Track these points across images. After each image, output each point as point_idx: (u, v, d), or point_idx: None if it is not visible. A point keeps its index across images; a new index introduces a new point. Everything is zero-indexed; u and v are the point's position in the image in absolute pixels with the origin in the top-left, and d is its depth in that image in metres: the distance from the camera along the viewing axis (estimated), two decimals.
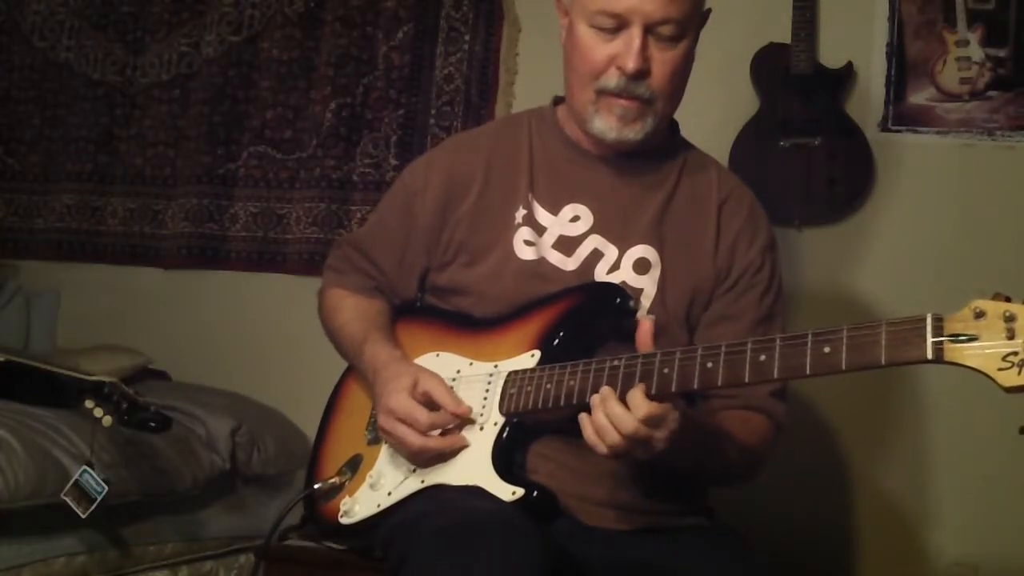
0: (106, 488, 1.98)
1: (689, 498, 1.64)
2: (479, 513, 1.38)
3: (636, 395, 1.34)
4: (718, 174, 1.73)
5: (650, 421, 1.33)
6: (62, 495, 1.97)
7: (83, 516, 1.98)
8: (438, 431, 1.53)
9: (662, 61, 1.56)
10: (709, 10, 1.65)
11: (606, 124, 1.59)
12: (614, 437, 1.34)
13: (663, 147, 1.70)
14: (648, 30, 1.54)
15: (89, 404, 1.98)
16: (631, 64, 1.53)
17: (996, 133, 2.48)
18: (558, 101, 1.75)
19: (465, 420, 1.53)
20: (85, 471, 1.99)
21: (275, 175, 3.02)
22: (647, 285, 1.61)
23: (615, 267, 1.63)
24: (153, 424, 2.00)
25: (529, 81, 2.83)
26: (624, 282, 1.61)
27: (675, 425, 1.35)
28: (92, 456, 2.02)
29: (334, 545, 2.30)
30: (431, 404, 1.53)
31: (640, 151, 1.65)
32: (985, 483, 2.42)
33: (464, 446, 1.52)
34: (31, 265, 3.18)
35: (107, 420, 1.96)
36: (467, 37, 2.89)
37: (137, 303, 3.08)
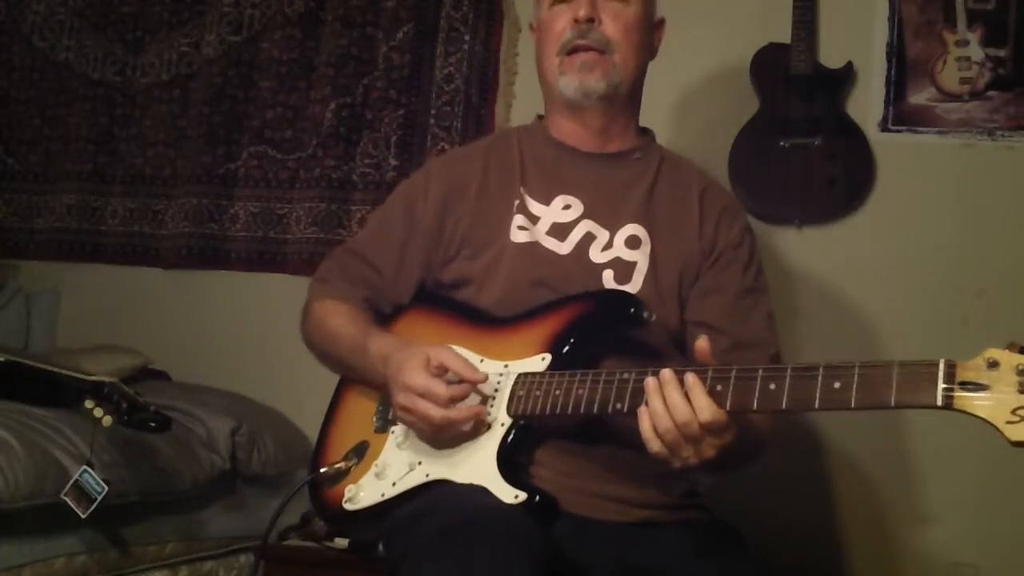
0: (106, 488, 1.98)
1: (685, 494, 1.65)
2: (479, 511, 1.39)
3: (701, 398, 1.32)
4: (696, 171, 1.84)
5: (711, 426, 1.32)
6: (62, 495, 1.97)
7: (83, 516, 1.98)
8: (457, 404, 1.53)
9: (613, 14, 1.71)
10: (663, 18, 1.82)
11: (569, 80, 1.72)
12: (667, 423, 1.32)
13: (641, 148, 1.80)
14: None
15: (89, 404, 1.98)
16: (581, 11, 1.69)
17: (996, 133, 2.48)
18: (542, 118, 1.85)
19: (480, 392, 1.54)
20: (85, 471, 1.99)
21: (275, 175, 3.02)
22: (640, 259, 1.68)
23: (608, 246, 1.69)
24: (153, 424, 2.01)
25: (529, 81, 2.81)
26: (618, 258, 1.67)
27: (730, 438, 1.35)
28: (92, 456, 2.02)
29: (334, 545, 2.32)
30: (447, 377, 1.54)
31: (612, 122, 1.76)
32: (986, 483, 2.41)
33: (484, 413, 1.52)
34: (31, 265, 3.18)
35: (107, 420, 1.97)
36: (467, 37, 2.89)
37: (137, 303, 3.08)
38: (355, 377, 1.74)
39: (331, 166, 2.94)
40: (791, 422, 2.50)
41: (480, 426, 1.53)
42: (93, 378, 2.02)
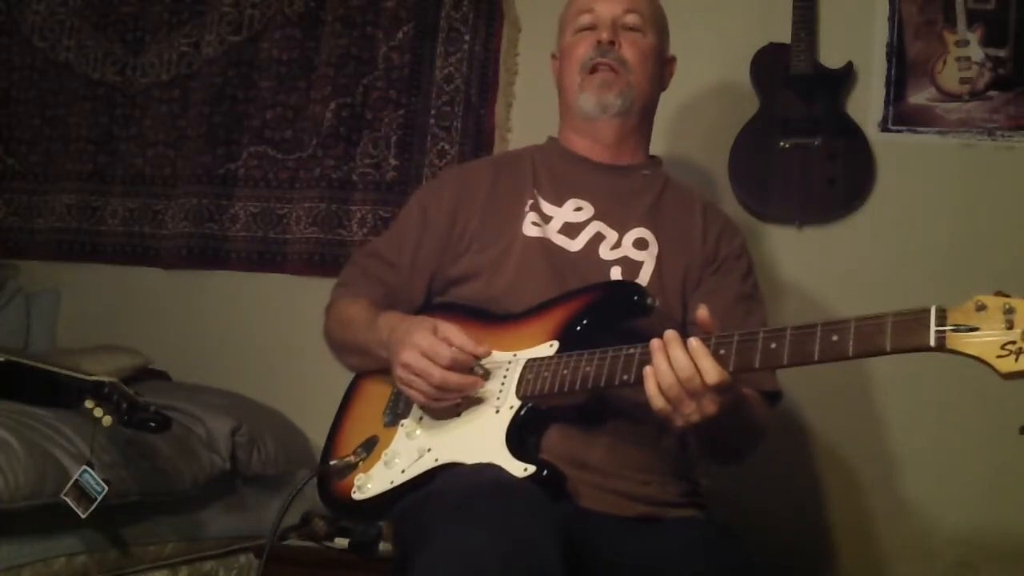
0: (106, 488, 1.98)
1: (686, 492, 1.68)
2: (498, 484, 1.42)
3: (705, 361, 1.37)
4: (698, 191, 1.96)
5: (719, 387, 1.37)
6: (62, 495, 1.97)
7: (83, 516, 1.98)
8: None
9: (631, 41, 1.85)
10: (674, 57, 1.96)
11: (589, 96, 1.83)
12: (670, 379, 1.38)
13: (649, 167, 1.91)
14: (617, 22, 1.84)
15: (89, 404, 1.98)
16: (604, 34, 1.83)
17: (996, 133, 2.48)
18: (554, 140, 1.95)
19: (481, 371, 1.59)
20: (85, 471, 1.99)
21: (275, 175, 3.02)
22: (647, 260, 1.76)
23: (617, 245, 1.77)
24: (153, 424, 2.01)
25: (529, 81, 2.83)
26: (626, 256, 1.75)
27: (732, 396, 1.41)
28: (92, 456, 2.02)
29: (334, 545, 2.32)
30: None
31: (624, 139, 1.85)
32: (985, 483, 2.42)
33: (480, 386, 1.58)
34: (31, 265, 3.18)
35: (107, 420, 1.97)
36: (467, 37, 2.89)
37: (137, 303, 3.08)
38: (369, 364, 1.77)
39: (331, 166, 2.94)
40: (791, 423, 2.50)
41: (486, 408, 1.57)
42: (93, 378, 2.02)
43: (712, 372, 1.36)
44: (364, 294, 1.85)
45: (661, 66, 1.91)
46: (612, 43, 1.82)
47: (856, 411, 2.52)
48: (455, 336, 1.59)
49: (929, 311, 1.23)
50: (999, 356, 1.18)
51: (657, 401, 1.40)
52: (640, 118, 1.88)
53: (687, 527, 1.60)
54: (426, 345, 1.57)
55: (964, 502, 2.43)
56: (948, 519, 2.45)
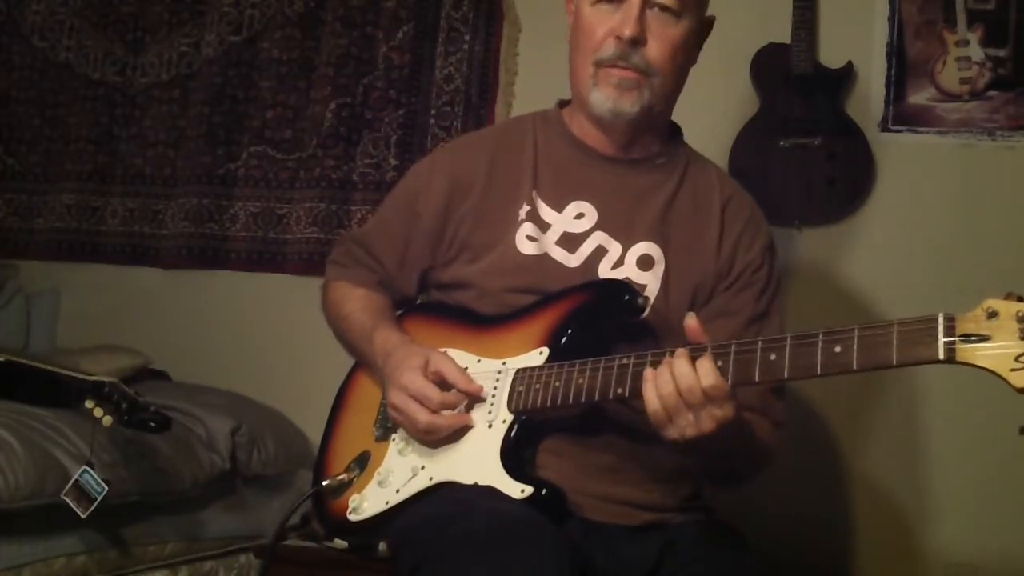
0: (106, 488, 1.98)
1: (690, 496, 1.65)
2: (507, 516, 1.38)
3: (705, 363, 1.32)
4: (719, 177, 1.76)
5: (712, 392, 1.32)
6: (62, 495, 1.98)
7: (83, 516, 1.98)
8: (448, 411, 1.53)
9: (660, 35, 1.59)
10: (713, 17, 1.70)
11: (602, 95, 1.62)
12: (669, 387, 1.32)
13: (666, 148, 1.73)
14: (647, 2, 1.59)
15: (89, 404, 1.98)
16: (627, 30, 1.57)
17: (996, 133, 2.48)
18: (563, 105, 1.77)
19: (475, 400, 1.54)
20: (85, 471, 1.99)
21: (275, 175, 3.02)
22: (651, 281, 1.63)
23: (619, 263, 1.64)
24: (153, 424, 2.01)
25: (529, 81, 2.83)
26: (628, 278, 1.62)
27: (731, 412, 1.34)
28: (92, 456, 2.02)
29: (334, 545, 2.31)
30: (443, 384, 1.54)
31: (639, 135, 1.68)
32: (985, 483, 2.42)
33: (468, 425, 1.53)
34: (31, 265, 3.18)
35: (107, 420, 1.97)
36: (467, 37, 2.89)
37: (137, 303, 3.08)
38: (366, 363, 1.74)
39: (331, 166, 2.94)
40: (793, 422, 2.50)
41: (477, 422, 1.53)
42: (93, 378, 2.03)
43: (710, 374, 1.31)
44: (360, 281, 1.79)
45: (696, 45, 1.67)
46: (636, 41, 1.58)
47: (853, 410, 2.52)
48: (448, 372, 1.54)
49: (936, 320, 1.16)
50: (1014, 369, 1.11)
51: (652, 403, 1.34)
52: (659, 114, 1.68)
53: (692, 530, 1.58)
54: (415, 389, 1.53)
55: (964, 501, 2.43)
56: (948, 519, 2.45)
